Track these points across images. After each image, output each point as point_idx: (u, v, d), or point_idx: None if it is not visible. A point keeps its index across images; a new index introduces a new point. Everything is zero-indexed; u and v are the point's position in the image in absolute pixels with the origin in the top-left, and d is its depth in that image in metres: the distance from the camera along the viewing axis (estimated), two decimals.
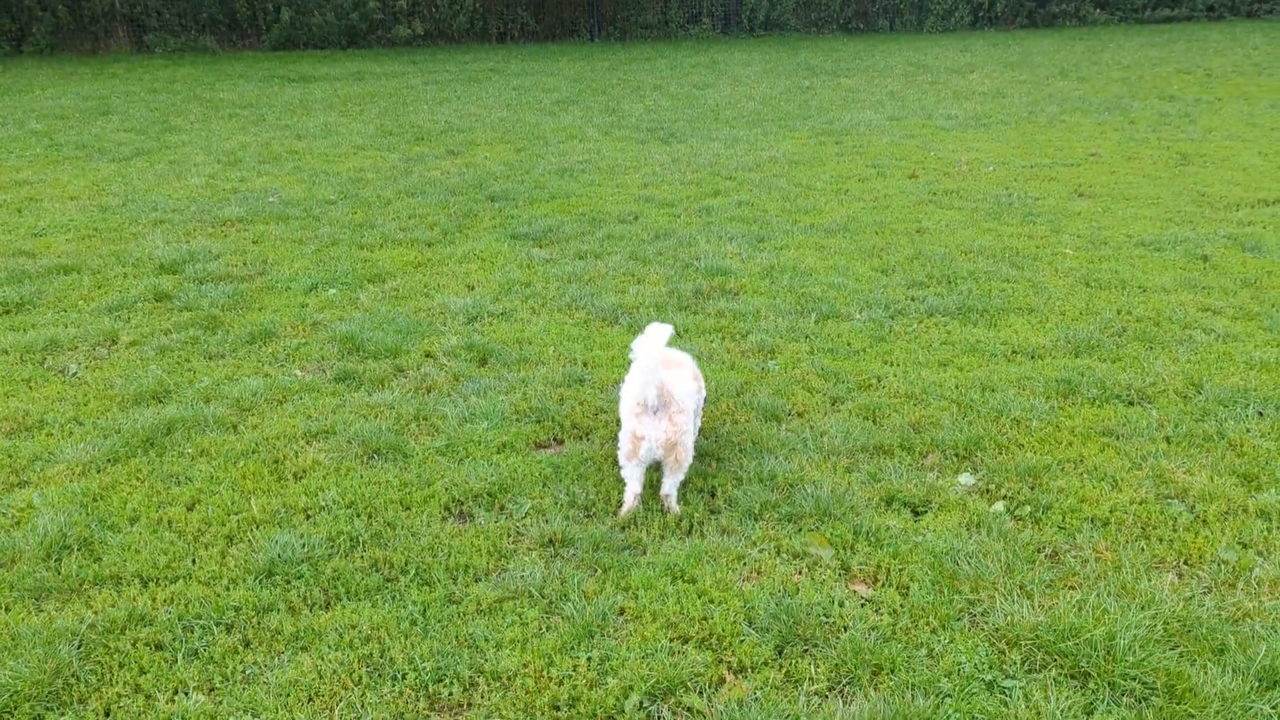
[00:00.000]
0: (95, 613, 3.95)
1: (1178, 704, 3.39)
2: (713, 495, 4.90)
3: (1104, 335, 7.04)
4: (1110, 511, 4.68)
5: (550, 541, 4.49)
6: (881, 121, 17.97)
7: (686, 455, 4.73)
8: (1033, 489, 4.91)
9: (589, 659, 3.67)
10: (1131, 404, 5.95)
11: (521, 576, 4.19)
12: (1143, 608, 3.91)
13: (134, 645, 3.76)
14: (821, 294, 8.05)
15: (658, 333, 4.73)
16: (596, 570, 4.27)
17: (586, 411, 5.82)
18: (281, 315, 7.65)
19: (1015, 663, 3.64)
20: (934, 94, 19.78)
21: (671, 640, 3.79)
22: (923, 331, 7.23)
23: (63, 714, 3.43)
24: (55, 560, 4.33)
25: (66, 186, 12.62)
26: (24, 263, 9.05)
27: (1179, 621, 3.85)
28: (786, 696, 3.50)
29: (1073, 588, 4.11)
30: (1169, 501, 4.80)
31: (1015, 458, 5.21)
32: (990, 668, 3.62)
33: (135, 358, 6.82)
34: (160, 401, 6.06)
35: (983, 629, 3.85)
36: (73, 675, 3.59)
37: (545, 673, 3.60)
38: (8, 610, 4.00)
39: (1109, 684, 3.51)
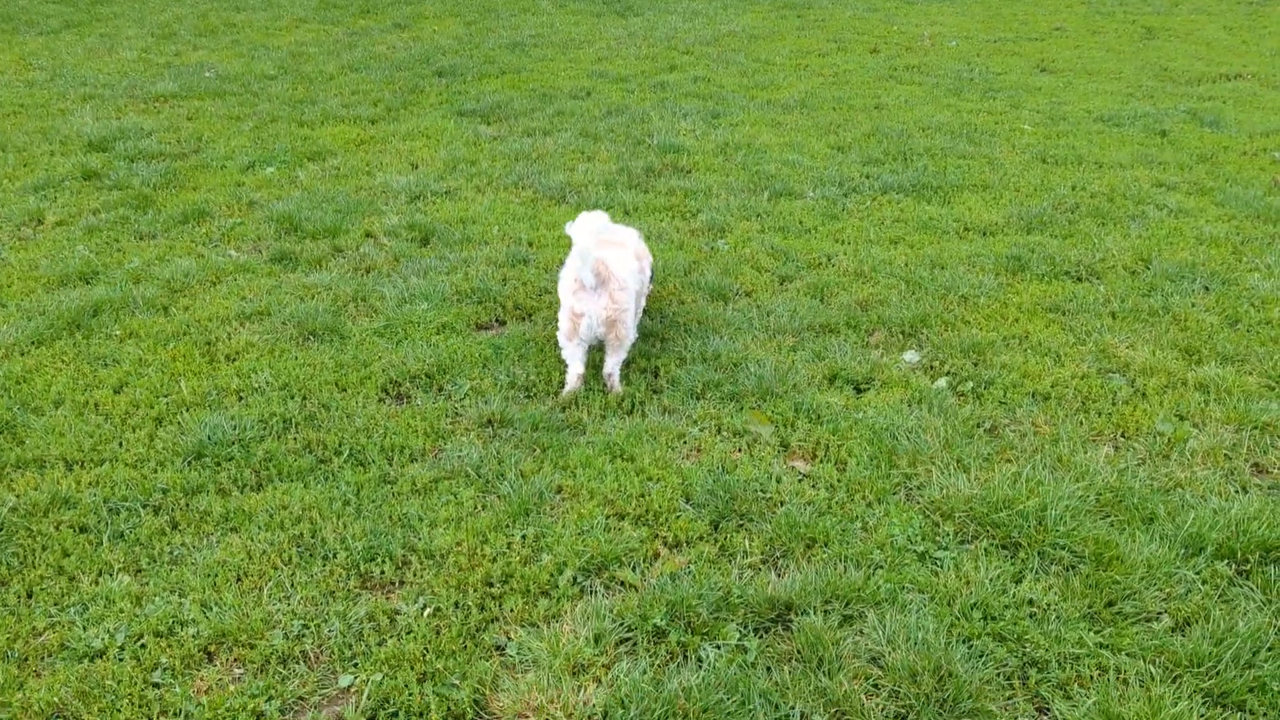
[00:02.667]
0: (17, 496, 3.84)
1: (1104, 570, 3.43)
2: (656, 375, 4.84)
3: (1057, 211, 6.97)
4: (1051, 386, 4.67)
5: (489, 422, 4.42)
6: None
7: (627, 333, 4.65)
8: (976, 365, 4.89)
9: (524, 536, 3.64)
10: (1080, 280, 5.92)
11: (458, 457, 4.13)
12: (1077, 479, 3.93)
13: (57, 528, 3.67)
14: (775, 172, 7.88)
15: (592, 218, 4.60)
16: (535, 450, 4.21)
17: (529, 292, 5.69)
18: (216, 194, 7.38)
19: (948, 534, 3.66)
20: None
21: (608, 517, 3.76)
22: (876, 209, 7.12)
23: None
24: None
25: None
26: None
27: (1111, 492, 3.87)
28: (720, 570, 3.50)
29: (1009, 461, 4.12)
30: (1110, 376, 4.80)
31: (961, 334, 5.18)
32: (923, 539, 3.63)
33: (62, 238, 6.56)
34: (87, 283, 5.85)
35: (918, 503, 3.85)
36: None
37: (479, 550, 3.56)
38: None
39: (1039, 553, 3.54)
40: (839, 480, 3.98)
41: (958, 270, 5.98)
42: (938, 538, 3.65)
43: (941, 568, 3.50)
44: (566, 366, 4.71)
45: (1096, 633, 3.20)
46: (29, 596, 3.37)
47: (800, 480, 4.01)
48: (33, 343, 5.09)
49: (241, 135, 8.91)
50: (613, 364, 4.71)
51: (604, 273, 4.53)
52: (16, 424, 4.35)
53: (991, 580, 3.41)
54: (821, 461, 4.13)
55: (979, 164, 8.05)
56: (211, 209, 7.08)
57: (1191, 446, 4.21)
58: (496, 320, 5.46)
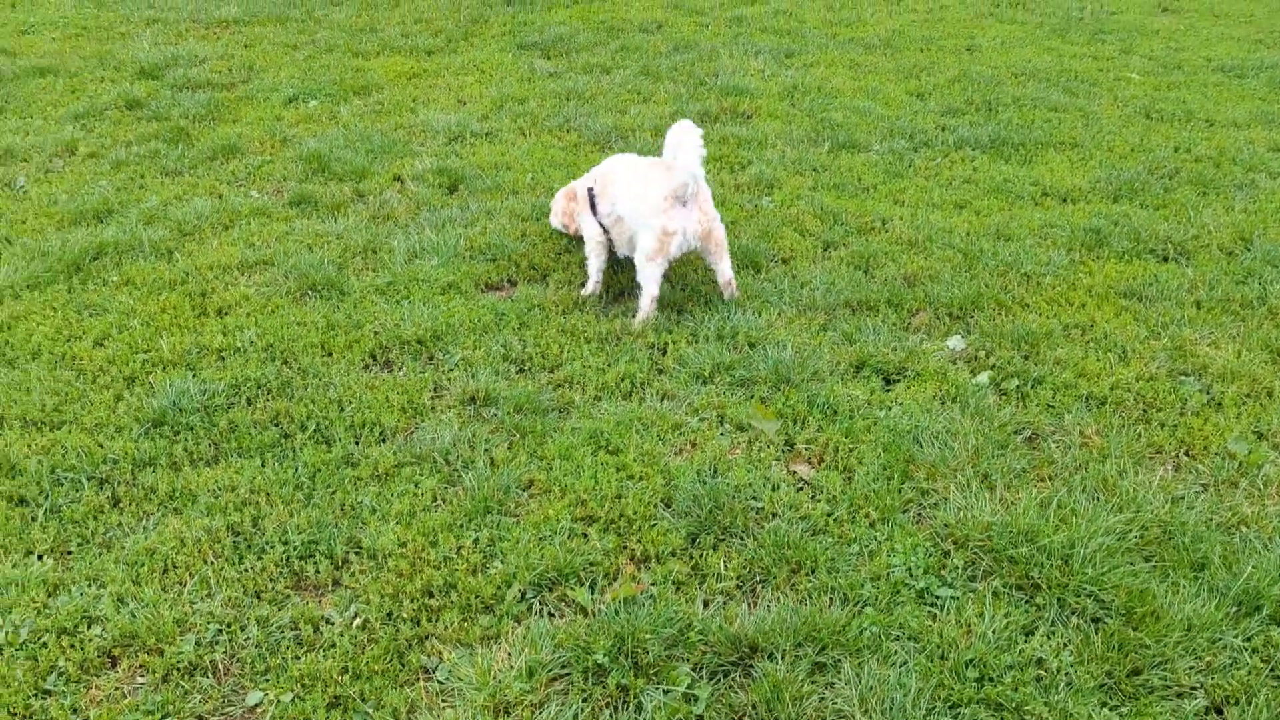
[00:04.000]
0: None
1: (1134, 628, 2.92)
2: (663, 353, 4.41)
3: (1152, 177, 6.21)
4: (1110, 389, 4.09)
5: (472, 399, 4.07)
6: None
7: (724, 235, 4.68)
8: (1026, 359, 4.33)
9: (476, 540, 3.30)
10: (1166, 260, 5.23)
11: (431, 439, 3.79)
12: (1120, 508, 3.39)
13: None
14: (843, 120, 7.25)
15: (690, 128, 4.47)
16: (514, 435, 3.85)
17: (548, 250, 5.29)
18: (253, 129, 7.13)
19: (956, 568, 3.18)
20: None
21: (575, 521, 3.39)
22: (945, 167, 6.47)
23: None
24: None
25: None
26: (2, 63, 8.57)
27: (1160, 527, 3.33)
28: (686, 595, 3.10)
29: (1045, 479, 3.59)
30: (1182, 379, 4.19)
31: (1016, 320, 4.60)
32: (926, 572, 3.16)
33: (88, 172, 6.39)
34: (101, 222, 5.67)
35: (928, 525, 3.37)
36: None
37: (424, 553, 3.23)
38: None
39: (1059, 600, 3.04)
40: (843, 492, 3.51)
41: (1025, 243, 5.34)
42: (944, 571, 3.18)
43: (941, 610, 3.03)
44: (641, 289, 4.62)
45: (1113, 709, 2.71)
46: None
47: (799, 489, 3.56)
48: (28, 286, 4.92)
49: (293, 65, 8.64)
50: (728, 269, 4.74)
51: (693, 185, 4.44)
52: None
53: (997, 631, 2.93)
54: (828, 468, 3.66)
55: (1071, 118, 7.28)
56: (244, 145, 6.83)
57: (1267, 473, 3.62)
58: (508, 280, 5.08)
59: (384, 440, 3.84)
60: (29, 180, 6.25)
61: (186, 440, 3.80)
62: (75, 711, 2.72)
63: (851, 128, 7.08)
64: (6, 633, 2.93)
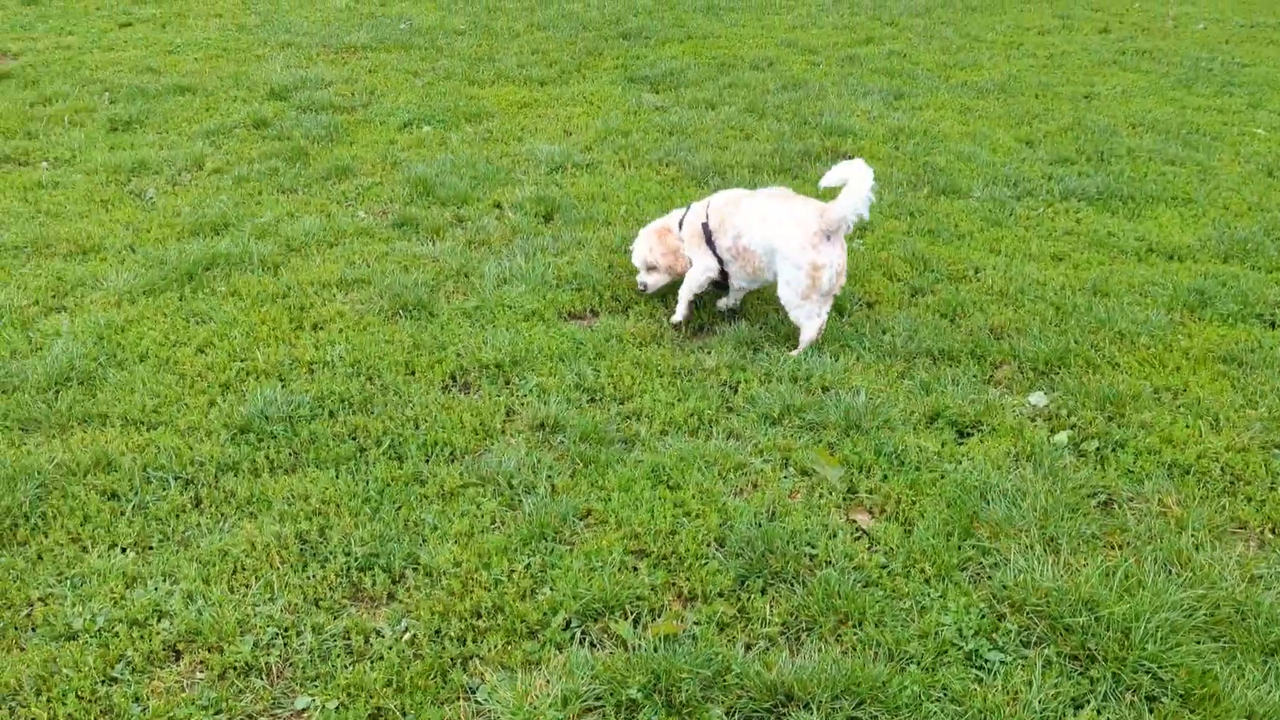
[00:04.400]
0: (68, 452, 3.91)
1: (1190, 712, 2.80)
2: (734, 391, 4.42)
3: (1268, 238, 5.95)
4: (1197, 458, 3.93)
5: (541, 425, 4.16)
6: None
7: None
8: (1110, 420, 4.19)
9: (528, 565, 3.36)
10: (1273, 326, 5.00)
11: (497, 462, 3.89)
12: (1191, 583, 3.25)
13: (89, 491, 3.69)
14: (945, 164, 7.16)
15: (865, 166, 4.50)
16: (578, 463, 3.91)
17: (632, 283, 5.36)
18: (367, 151, 7.43)
19: (1009, 632, 3.10)
20: None
21: (627, 554, 3.42)
22: (1048, 217, 6.32)
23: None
24: (54, 393, 4.33)
25: (216, 3, 12.72)
26: (147, 80, 9.15)
27: (1233, 606, 3.18)
28: (728, 637, 3.10)
29: (1115, 547, 3.47)
30: (1276, 452, 3.99)
31: (1103, 380, 4.46)
32: (978, 634, 3.09)
33: (211, 186, 6.77)
34: (217, 234, 5.99)
35: (985, 586, 3.29)
36: (23, 515, 3.57)
37: (477, 574, 3.31)
38: None
39: (1113, 674, 2.93)
40: (900, 544, 3.46)
41: (1123, 299, 5.18)
42: (996, 634, 3.10)
43: (988, 674, 2.96)
44: (800, 327, 4.69)
45: None
46: (38, 560, 3.39)
47: (856, 538, 3.52)
48: (144, 292, 5.23)
49: (412, 91, 8.98)
50: (827, 312, 4.75)
51: (849, 224, 4.54)
52: (96, 377, 4.45)
53: (1044, 701, 2.85)
54: (888, 519, 3.62)
55: (1188, 172, 7.03)
56: (357, 167, 7.13)
57: None
58: (590, 310, 5.17)
59: (453, 460, 3.96)
60: (157, 192, 6.64)
61: (269, 448, 3.98)
62: (137, 700, 2.87)
63: (954, 173, 6.98)
64: (85, 619, 3.12)
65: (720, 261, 4.91)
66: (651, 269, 5.08)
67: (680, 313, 4.97)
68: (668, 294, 5.16)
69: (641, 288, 5.12)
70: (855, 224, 4.54)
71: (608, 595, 3.23)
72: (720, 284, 5.05)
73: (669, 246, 5.04)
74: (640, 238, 5.16)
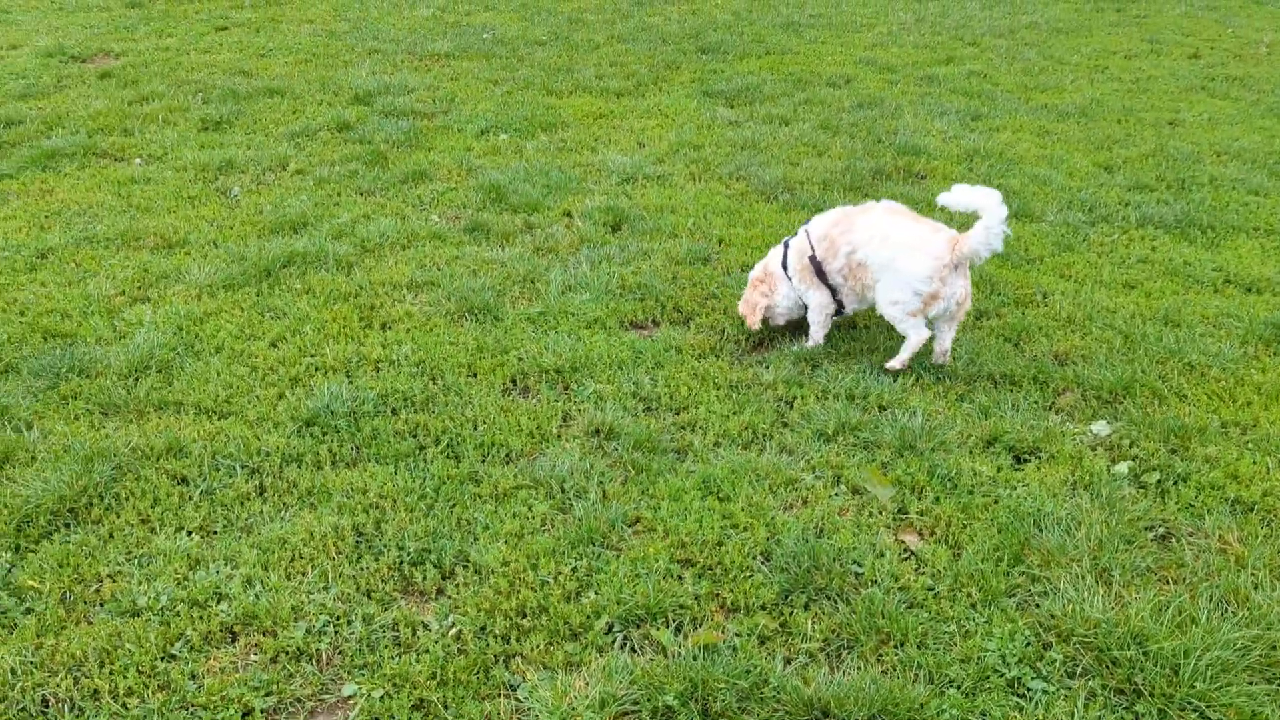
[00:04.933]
0: (143, 437, 4.08)
1: None
2: (790, 406, 4.43)
3: None
4: (1262, 495, 3.83)
5: (597, 431, 4.22)
6: None
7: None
8: (1173, 453, 4.11)
9: (574, 568, 3.42)
10: None
11: (551, 465, 3.96)
12: (1247, 623, 3.17)
13: (161, 475, 3.86)
14: (1019, 187, 7.06)
15: (1001, 202, 4.38)
16: (630, 470, 3.96)
17: (696, 295, 5.41)
18: (444, 157, 7.60)
19: (1054, 661, 3.06)
20: None
21: (672, 563, 3.46)
22: (1122, 244, 6.20)
23: (73, 532, 3.58)
24: (134, 379, 4.52)
25: (309, 10, 13.10)
26: (239, 82, 9.47)
27: None
28: (768, 650, 3.11)
29: (1169, 581, 3.40)
30: None
31: (1169, 411, 4.37)
32: (1020, 662, 3.06)
33: (293, 186, 6.98)
34: (296, 233, 6.18)
35: (1032, 614, 3.26)
36: (97, 495, 3.74)
37: (524, 575, 3.38)
38: (74, 420, 4.22)
39: (1159, 711, 2.88)
40: (948, 568, 3.44)
41: (1194, 330, 5.07)
42: (1040, 663, 3.07)
43: (1030, 703, 2.93)
44: (906, 336, 4.63)
45: None
46: (110, 539, 3.55)
47: (903, 559, 3.51)
48: (224, 286, 5.43)
49: (491, 99, 9.15)
50: (951, 339, 4.71)
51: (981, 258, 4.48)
52: (174, 366, 4.64)
53: None
54: (936, 541, 3.60)
55: (1273, 202, 6.84)
56: (433, 172, 7.30)
57: None
58: (652, 320, 5.23)
59: (508, 462, 4.04)
60: (242, 190, 6.88)
61: (332, 442, 4.10)
62: (193, 678, 2.99)
63: (1028, 196, 6.89)
64: (149, 598, 3.26)
65: (833, 291, 4.82)
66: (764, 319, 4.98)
67: (814, 340, 4.94)
68: (724, 308, 5.19)
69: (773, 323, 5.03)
70: (987, 258, 4.45)
71: (651, 602, 3.27)
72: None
73: (749, 303, 4.92)
74: (747, 289, 5.02)
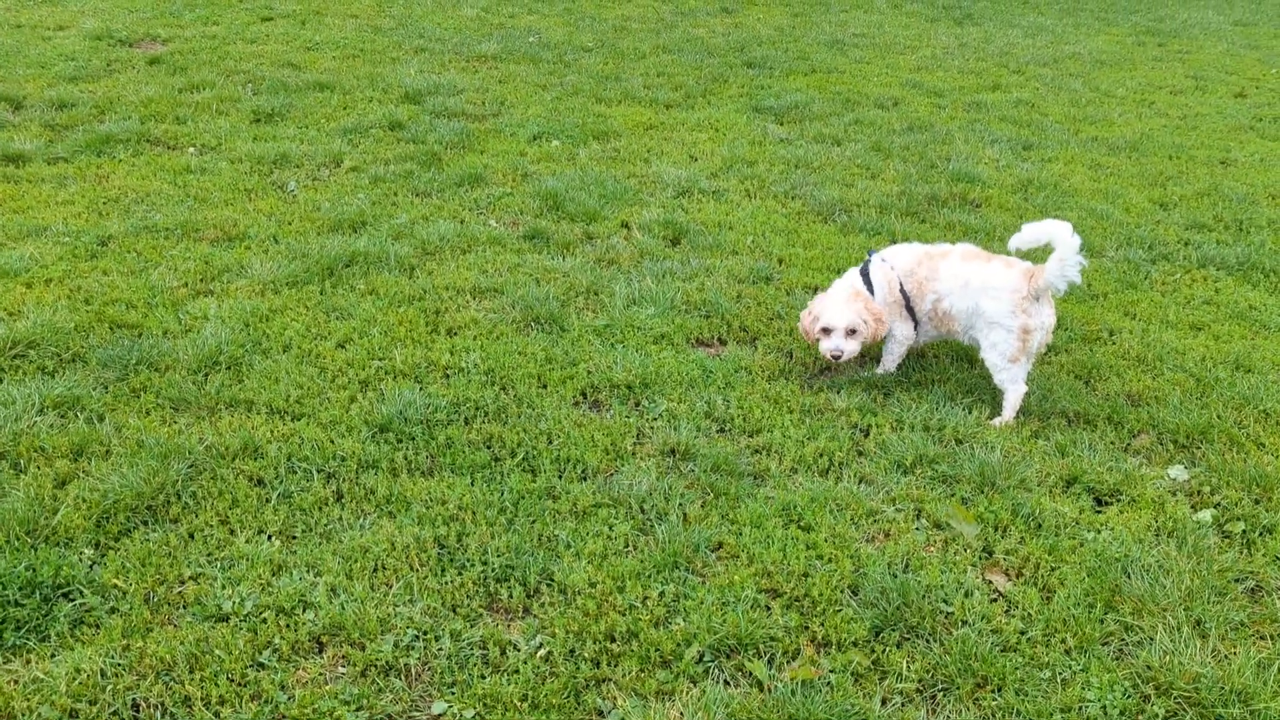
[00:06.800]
0: (218, 435, 4.04)
1: None
2: (865, 434, 4.39)
3: None
4: None
5: (672, 451, 4.17)
6: (1223, 25, 15.53)
7: None
8: (1258, 503, 4.06)
9: (662, 593, 3.37)
10: None
11: (629, 484, 3.91)
12: None
13: (237, 476, 3.81)
14: (1077, 221, 6.94)
15: (1072, 232, 4.35)
16: (708, 493, 3.92)
17: (761, 314, 5.36)
18: (498, 161, 7.56)
19: (1156, 715, 3.01)
20: None
21: (759, 592, 3.41)
22: (1185, 284, 6.16)
23: (153, 530, 3.53)
24: (203, 375, 4.48)
25: (352, 4, 13.07)
26: (288, 75, 9.44)
27: None
28: (864, 690, 3.06)
29: (1265, 637, 3.35)
30: None
31: (1248, 459, 4.33)
32: (1122, 714, 3.01)
33: (349, 184, 6.95)
34: (355, 231, 6.14)
35: (1129, 664, 3.21)
36: (175, 494, 3.69)
37: (611, 597, 3.33)
38: (145, 415, 4.18)
39: None
40: (1039, 612, 3.39)
41: (1267, 377, 5.02)
42: (1141, 716, 3.02)
43: None
44: (1005, 391, 4.59)
45: None
46: (190, 538, 3.50)
47: (993, 600, 3.46)
48: (287, 283, 5.39)
49: (540, 104, 9.12)
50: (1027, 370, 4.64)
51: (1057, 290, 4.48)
52: (243, 362, 4.59)
53: None
54: (1025, 583, 3.55)
55: None
56: (488, 175, 7.26)
57: None
58: (718, 339, 5.18)
59: (585, 478, 3.99)
60: (299, 185, 6.84)
61: (407, 449, 4.06)
62: (283, 688, 2.94)
63: (1086, 230, 6.84)
64: (234, 602, 3.21)
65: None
66: (852, 333, 4.60)
67: (888, 367, 4.92)
68: (776, 335, 5.15)
69: (836, 354, 4.62)
70: (1065, 289, 4.44)
71: (741, 633, 3.22)
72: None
73: (874, 312, 4.65)
74: (838, 300, 4.65)
